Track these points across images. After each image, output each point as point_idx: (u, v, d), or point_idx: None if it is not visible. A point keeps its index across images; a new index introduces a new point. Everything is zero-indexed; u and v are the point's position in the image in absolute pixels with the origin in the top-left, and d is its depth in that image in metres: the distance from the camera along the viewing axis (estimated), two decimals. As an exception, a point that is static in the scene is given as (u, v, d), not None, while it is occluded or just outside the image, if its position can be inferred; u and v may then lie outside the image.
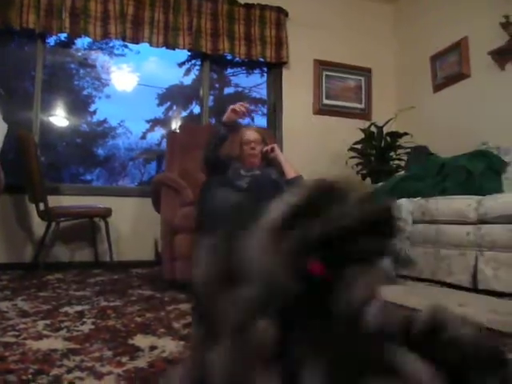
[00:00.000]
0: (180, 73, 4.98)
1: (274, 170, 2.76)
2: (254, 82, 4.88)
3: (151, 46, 3.80)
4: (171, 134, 3.66)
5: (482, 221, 2.41)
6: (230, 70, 4.90)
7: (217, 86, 5.10)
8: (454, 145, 3.48)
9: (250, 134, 2.88)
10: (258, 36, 4.08)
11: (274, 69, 4.31)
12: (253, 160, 2.81)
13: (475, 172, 2.81)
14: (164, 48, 3.84)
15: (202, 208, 2.26)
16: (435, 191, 2.86)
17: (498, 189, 2.78)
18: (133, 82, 4.63)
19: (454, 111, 3.87)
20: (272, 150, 2.87)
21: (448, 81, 3.96)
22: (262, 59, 4.13)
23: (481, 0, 3.66)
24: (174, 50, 3.86)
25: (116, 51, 4.73)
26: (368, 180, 3.94)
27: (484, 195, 2.52)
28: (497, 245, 2.31)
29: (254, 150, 2.81)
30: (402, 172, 3.56)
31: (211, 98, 4.55)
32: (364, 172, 3.96)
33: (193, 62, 4.78)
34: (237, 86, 5.16)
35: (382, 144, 3.93)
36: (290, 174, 2.74)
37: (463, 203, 2.54)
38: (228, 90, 5.27)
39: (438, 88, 4.09)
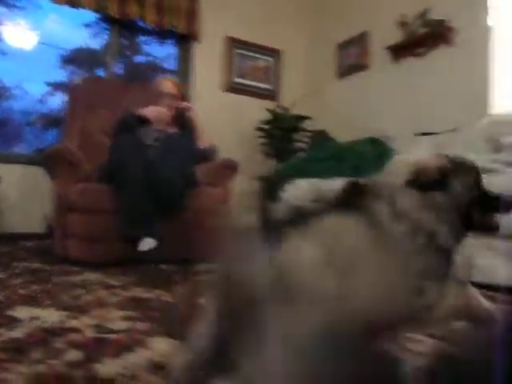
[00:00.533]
0: (86, 35, 4.68)
1: (187, 133, 2.68)
2: (167, 53, 4.75)
3: (52, 1, 3.52)
4: (73, 88, 3.19)
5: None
6: (142, 39, 4.72)
7: (127, 53, 4.88)
8: (353, 131, 3.72)
9: (169, 86, 2.73)
10: (169, 4, 3.96)
11: (186, 41, 4.24)
12: (167, 115, 2.66)
13: (368, 157, 3.05)
14: (67, 6, 3.58)
15: (113, 161, 2.29)
16: (333, 174, 3.05)
17: (385, 173, 3.04)
18: (32, 39, 4.25)
19: (354, 99, 4.12)
20: (189, 108, 2.76)
21: (351, 69, 4.20)
22: (173, 29, 4.03)
23: (383, -4, 3.92)
24: (77, 8, 3.61)
25: (12, 1, 4.28)
26: (273, 160, 4.08)
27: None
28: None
29: (170, 105, 2.68)
30: (303, 154, 3.74)
31: (121, 65, 4.35)
32: (269, 152, 4.09)
33: (101, 25, 4.51)
34: (148, 55, 4.99)
35: (288, 126, 4.08)
36: (204, 141, 2.71)
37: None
38: (139, 59, 5.08)
39: (341, 75, 4.33)
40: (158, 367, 0.93)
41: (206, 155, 2.73)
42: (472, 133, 2.62)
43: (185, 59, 4.27)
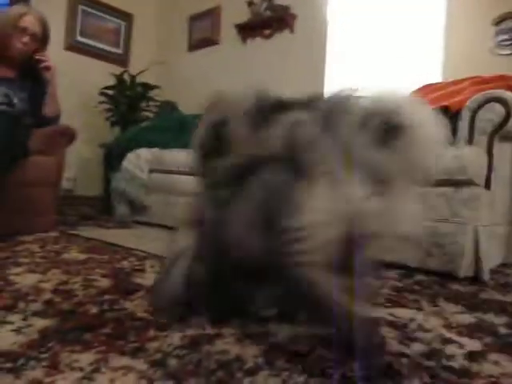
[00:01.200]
0: None
1: (35, 93, 2.22)
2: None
3: None
4: None
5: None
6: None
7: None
8: (201, 104, 3.76)
9: (34, 23, 2.18)
10: None
11: (20, -12, 3.75)
12: (16, 55, 2.18)
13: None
14: None
15: None
16: (176, 144, 3.06)
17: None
18: None
19: (204, 73, 4.16)
20: (49, 67, 2.23)
21: (201, 43, 4.21)
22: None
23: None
24: None
25: None
26: (116, 128, 3.92)
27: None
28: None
29: (26, 46, 2.17)
30: (146, 123, 3.66)
31: None
32: (113, 119, 3.91)
33: None
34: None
35: (134, 93, 3.94)
36: (51, 109, 2.28)
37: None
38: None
39: (192, 48, 4.32)
40: None
41: (48, 124, 2.33)
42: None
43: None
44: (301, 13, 3.54)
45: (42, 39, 2.26)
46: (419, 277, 1.60)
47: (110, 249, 1.84)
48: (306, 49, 3.49)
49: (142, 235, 2.37)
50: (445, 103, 1.86)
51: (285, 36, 3.62)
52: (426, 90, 2.21)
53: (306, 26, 3.50)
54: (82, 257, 1.62)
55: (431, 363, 0.79)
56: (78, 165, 3.88)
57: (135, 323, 0.91)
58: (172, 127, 3.14)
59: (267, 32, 3.74)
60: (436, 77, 2.83)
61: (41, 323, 0.87)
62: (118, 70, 4.10)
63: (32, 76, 2.24)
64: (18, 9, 2.21)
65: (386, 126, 0.75)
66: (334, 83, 3.33)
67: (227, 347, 0.80)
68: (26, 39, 2.16)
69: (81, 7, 4.06)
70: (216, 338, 0.85)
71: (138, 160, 2.85)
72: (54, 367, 0.69)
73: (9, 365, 0.68)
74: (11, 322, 0.87)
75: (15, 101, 2.16)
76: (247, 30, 3.84)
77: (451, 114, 1.80)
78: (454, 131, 1.76)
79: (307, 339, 0.85)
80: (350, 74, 3.25)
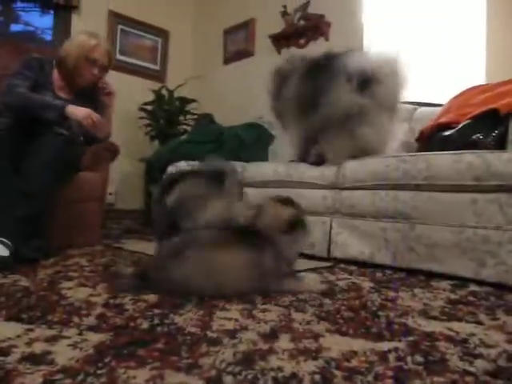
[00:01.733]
0: None
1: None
2: (50, 24, 4.36)
3: None
4: None
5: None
6: (19, 5, 4.26)
7: (1, 19, 4.38)
8: (237, 116, 3.79)
9: (104, 55, 2.23)
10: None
11: (64, 12, 3.93)
12: (84, 85, 2.25)
13: (247, 141, 3.14)
14: None
15: None
16: (213, 156, 3.09)
17: (264, 158, 3.17)
18: None
19: (239, 85, 4.20)
20: (111, 94, 2.38)
21: (236, 55, 4.26)
22: (50, -3, 3.69)
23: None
24: None
25: None
26: (156, 142, 4.00)
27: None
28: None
29: (94, 77, 2.24)
30: (185, 136, 3.72)
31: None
32: (153, 133, 4.00)
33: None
34: (28, 24, 4.52)
35: (172, 108, 4.02)
36: (104, 132, 2.28)
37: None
38: (16, 28, 4.58)
39: (227, 61, 4.37)
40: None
41: (98, 143, 2.42)
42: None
43: (64, 32, 3.96)
44: (336, 20, 3.52)
45: (107, 69, 2.33)
46: (473, 287, 1.53)
47: (154, 262, 1.86)
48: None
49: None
50: (494, 105, 1.79)
51: (320, 44, 3.60)
52: (473, 92, 2.13)
53: (342, 33, 3.47)
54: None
55: (500, 383, 0.74)
56: (118, 179, 3.98)
57: (186, 338, 0.90)
58: (211, 139, 3.17)
59: (302, 41, 3.74)
60: (479, 79, 2.74)
61: (95, 338, 0.89)
62: (156, 85, 4.20)
63: (88, 97, 2.28)
64: (89, 39, 2.22)
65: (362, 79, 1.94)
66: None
67: (282, 364, 0.78)
68: (96, 71, 2.23)
69: (120, 27, 4.20)
70: (269, 353, 0.83)
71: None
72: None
73: (68, 381, 0.69)
74: (68, 337, 0.89)
75: (72, 122, 2.16)
76: (282, 40, 3.85)
77: (501, 116, 1.73)
78: (505, 134, 1.69)
79: (363, 354, 0.82)
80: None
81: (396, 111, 2.07)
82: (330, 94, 2.02)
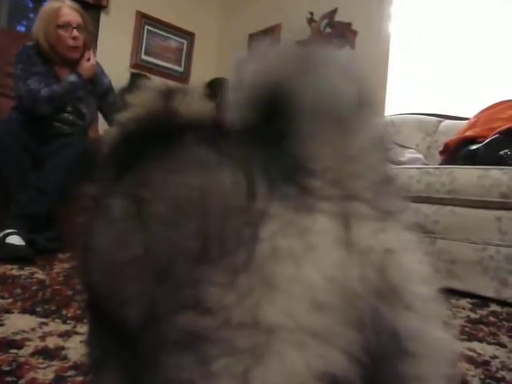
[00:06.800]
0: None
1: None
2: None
3: None
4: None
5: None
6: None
7: (31, 16, 4.48)
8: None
9: (71, 14, 2.01)
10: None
11: (92, 10, 3.99)
12: (74, 55, 2.05)
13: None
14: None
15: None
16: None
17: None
18: None
19: (262, 90, 4.19)
20: (91, 67, 2.08)
21: (261, 61, 4.26)
22: (78, -4, 3.75)
23: (295, -8, 4.03)
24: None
25: None
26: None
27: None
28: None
29: (76, 40, 2.01)
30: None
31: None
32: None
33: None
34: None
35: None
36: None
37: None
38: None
39: (251, 66, 4.37)
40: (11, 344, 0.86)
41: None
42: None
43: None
44: (362, 29, 3.48)
45: (86, 28, 2.09)
46: (494, 307, 1.48)
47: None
48: (367, 65, 3.42)
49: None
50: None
51: (346, 52, 3.57)
52: (501, 107, 2.09)
53: (368, 42, 3.44)
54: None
55: (524, 409, 0.71)
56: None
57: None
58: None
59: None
60: (508, 93, 2.68)
61: (108, 336, 0.88)
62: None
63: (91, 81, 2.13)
64: (51, 5, 2.03)
65: None
66: (396, 100, 3.24)
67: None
68: (74, 32, 2.00)
69: (146, 27, 4.25)
70: None
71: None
72: None
73: (80, 378, 0.69)
74: (81, 333, 0.88)
75: (84, 110, 2.14)
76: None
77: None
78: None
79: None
80: (414, 91, 3.15)
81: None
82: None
